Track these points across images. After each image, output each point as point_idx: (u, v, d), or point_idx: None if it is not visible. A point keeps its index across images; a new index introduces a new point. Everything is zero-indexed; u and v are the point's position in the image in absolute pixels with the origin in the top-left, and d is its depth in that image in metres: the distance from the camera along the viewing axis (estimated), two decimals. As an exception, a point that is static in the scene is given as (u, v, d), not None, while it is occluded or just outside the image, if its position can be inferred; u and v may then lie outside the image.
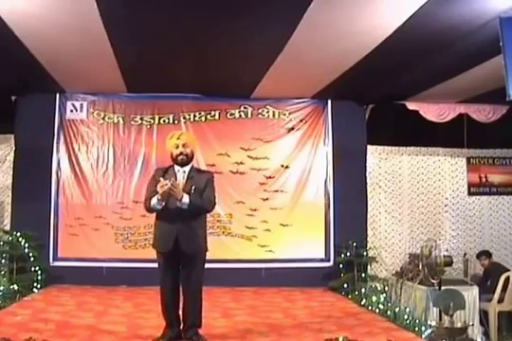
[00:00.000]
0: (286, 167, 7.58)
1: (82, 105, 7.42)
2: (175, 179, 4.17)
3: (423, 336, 4.64)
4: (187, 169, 4.28)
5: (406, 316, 5.23)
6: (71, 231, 7.20)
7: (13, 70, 6.02)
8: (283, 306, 5.96)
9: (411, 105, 7.44)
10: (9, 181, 7.12)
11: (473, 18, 4.48)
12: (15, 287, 6.22)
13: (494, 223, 7.87)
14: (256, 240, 7.39)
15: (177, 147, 4.24)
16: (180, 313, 4.28)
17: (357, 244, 7.11)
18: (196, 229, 4.22)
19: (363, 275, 7.00)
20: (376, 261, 7.29)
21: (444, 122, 7.48)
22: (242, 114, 7.61)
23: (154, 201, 4.07)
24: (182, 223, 4.12)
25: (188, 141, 4.31)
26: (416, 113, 7.43)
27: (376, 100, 7.50)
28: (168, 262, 4.21)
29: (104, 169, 7.35)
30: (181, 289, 4.26)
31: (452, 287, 5.30)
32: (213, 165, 7.40)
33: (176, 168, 4.28)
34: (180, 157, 4.24)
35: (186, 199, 4.05)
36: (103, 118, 7.44)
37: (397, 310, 5.47)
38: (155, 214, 4.31)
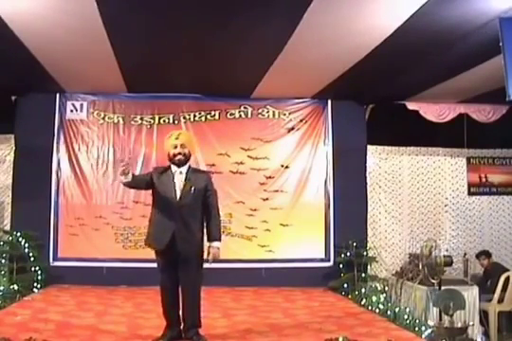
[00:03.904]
0: (286, 167, 7.58)
1: (82, 105, 7.42)
2: (173, 180, 4.21)
3: (423, 336, 4.64)
4: (184, 169, 4.28)
5: (406, 316, 5.23)
6: (71, 231, 7.21)
7: (13, 70, 6.02)
8: (283, 306, 5.96)
9: (411, 105, 7.44)
10: (9, 181, 7.12)
11: (473, 18, 4.49)
12: (15, 287, 6.22)
13: (494, 223, 7.87)
14: (256, 240, 7.39)
15: (176, 147, 4.24)
16: (180, 313, 4.28)
17: (357, 244, 7.12)
18: (194, 230, 4.21)
19: (363, 275, 7.01)
20: (376, 261, 7.29)
21: (444, 122, 7.48)
22: (242, 114, 7.61)
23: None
24: (181, 222, 4.13)
25: (186, 141, 4.31)
26: (416, 113, 7.43)
27: (376, 100, 7.50)
28: (166, 262, 4.22)
29: (104, 169, 7.35)
30: (182, 290, 4.25)
31: (452, 287, 5.30)
32: (213, 165, 7.40)
33: (173, 168, 4.27)
34: (178, 157, 4.24)
35: (218, 244, 4.21)
36: (103, 118, 7.44)
37: (397, 310, 5.46)
38: (151, 210, 4.32)
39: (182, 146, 4.25)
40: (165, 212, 4.18)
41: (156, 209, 4.25)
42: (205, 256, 4.24)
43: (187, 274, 4.19)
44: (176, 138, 4.27)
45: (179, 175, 4.25)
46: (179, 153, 4.24)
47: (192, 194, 4.17)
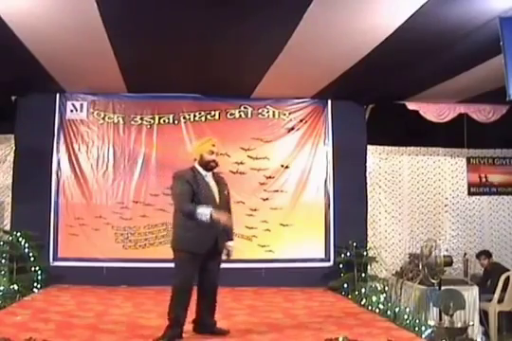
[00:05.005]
0: (286, 167, 7.58)
1: (82, 105, 7.42)
2: (208, 183, 4.35)
3: (423, 336, 4.63)
4: (210, 173, 4.43)
5: (406, 316, 5.22)
6: (71, 231, 7.20)
7: (13, 70, 6.02)
8: (283, 306, 5.95)
9: (410, 105, 7.44)
10: (9, 181, 7.12)
11: (473, 18, 4.49)
12: (15, 287, 6.21)
13: (494, 223, 7.87)
14: (256, 240, 7.39)
15: (212, 153, 4.39)
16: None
17: (357, 244, 7.12)
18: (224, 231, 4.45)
19: (363, 275, 7.00)
20: (376, 261, 7.28)
21: (444, 122, 7.48)
22: (242, 114, 7.61)
23: (201, 211, 4.08)
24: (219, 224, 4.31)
25: (218, 151, 4.52)
26: (416, 113, 7.43)
27: (376, 100, 7.50)
28: (196, 263, 4.29)
29: (104, 169, 7.35)
30: (205, 288, 4.43)
31: (452, 287, 5.30)
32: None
33: (202, 172, 4.38)
34: (212, 164, 4.40)
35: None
36: (103, 118, 7.44)
37: (397, 310, 5.45)
38: (178, 215, 4.33)
39: (217, 154, 4.44)
40: None
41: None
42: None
43: (216, 272, 4.45)
44: (213, 145, 4.42)
45: (209, 178, 4.40)
46: (214, 161, 4.40)
47: (225, 196, 4.44)
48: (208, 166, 4.38)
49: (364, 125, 7.64)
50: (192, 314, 4.44)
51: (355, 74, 6.10)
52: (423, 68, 5.87)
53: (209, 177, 4.40)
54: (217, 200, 4.37)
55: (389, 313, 5.45)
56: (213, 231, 4.26)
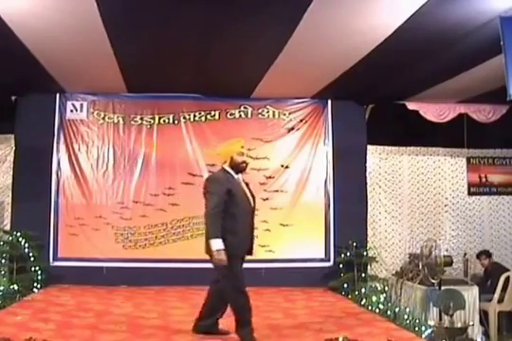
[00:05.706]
0: (286, 167, 7.58)
1: (82, 105, 7.42)
2: (241, 186, 4.39)
3: (423, 336, 4.64)
4: (239, 175, 4.44)
5: (406, 316, 5.23)
6: (71, 231, 7.20)
7: (13, 70, 6.02)
8: (283, 306, 5.96)
9: (411, 105, 7.43)
10: (9, 181, 7.12)
11: (473, 18, 4.49)
12: (15, 287, 6.21)
13: (494, 223, 7.87)
14: (256, 240, 7.31)
15: (243, 154, 4.41)
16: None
17: (357, 244, 7.12)
18: None
19: (363, 275, 7.00)
20: (376, 261, 7.28)
21: (444, 122, 7.48)
22: (242, 114, 7.61)
23: (216, 242, 4.11)
24: (253, 226, 4.49)
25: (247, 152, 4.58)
26: (416, 113, 7.43)
27: (376, 100, 7.50)
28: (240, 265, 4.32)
29: (104, 169, 7.35)
30: None
31: (452, 287, 5.31)
32: (213, 165, 7.37)
33: (234, 175, 4.39)
34: (243, 165, 4.41)
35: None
36: (103, 118, 7.44)
37: (397, 310, 5.46)
38: (226, 218, 4.28)
39: (246, 156, 4.46)
40: (245, 218, 4.39)
41: (237, 216, 4.31)
42: None
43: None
44: (242, 147, 4.42)
45: (240, 180, 4.43)
46: (244, 162, 4.41)
47: (254, 199, 4.50)
48: (239, 167, 4.38)
49: (364, 125, 7.64)
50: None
51: (355, 74, 6.10)
52: (423, 68, 5.87)
53: (240, 180, 4.42)
54: (251, 202, 4.44)
55: (389, 313, 5.46)
56: (249, 232, 4.45)
